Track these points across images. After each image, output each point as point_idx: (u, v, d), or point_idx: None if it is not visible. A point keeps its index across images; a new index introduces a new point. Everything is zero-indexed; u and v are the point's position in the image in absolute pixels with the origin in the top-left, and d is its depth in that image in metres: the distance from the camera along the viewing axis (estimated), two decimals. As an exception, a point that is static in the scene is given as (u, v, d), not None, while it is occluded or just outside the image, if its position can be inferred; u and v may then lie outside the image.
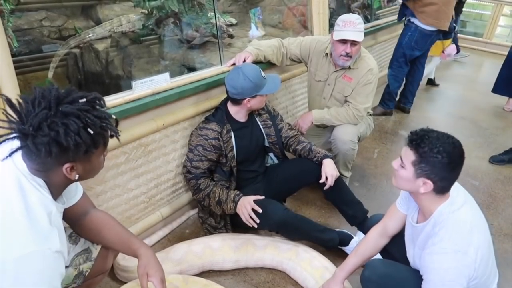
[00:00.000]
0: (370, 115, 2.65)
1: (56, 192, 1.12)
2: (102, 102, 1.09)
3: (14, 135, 0.98)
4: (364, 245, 1.67)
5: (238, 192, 1.97)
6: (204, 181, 1.98)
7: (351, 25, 2.22)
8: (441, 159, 1.27)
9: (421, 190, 1.33)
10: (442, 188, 1.33)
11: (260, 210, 1.88)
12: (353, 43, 2.24)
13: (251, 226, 1.89)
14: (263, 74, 1.99)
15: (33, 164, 1.04)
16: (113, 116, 1.12)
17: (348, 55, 2.28)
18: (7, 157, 0.99)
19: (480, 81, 5.35)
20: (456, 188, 1.41)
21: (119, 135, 1.13)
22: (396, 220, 1.61)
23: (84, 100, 1.04)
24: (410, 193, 1.45)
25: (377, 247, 1.66)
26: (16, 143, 0.99)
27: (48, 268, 0.99)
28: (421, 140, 1.30)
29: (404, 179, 1.36)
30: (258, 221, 1.87)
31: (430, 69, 4.61)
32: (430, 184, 1.31)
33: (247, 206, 1.88)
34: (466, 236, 1.30)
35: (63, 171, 1.04)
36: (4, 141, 1.00)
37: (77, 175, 1.09)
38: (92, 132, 1.02)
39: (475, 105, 4.44)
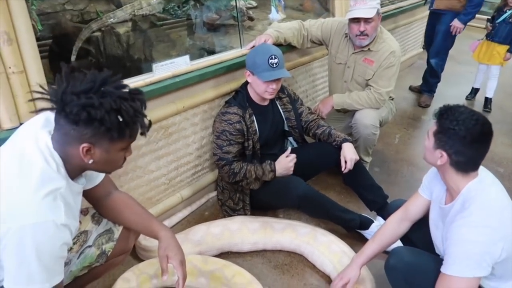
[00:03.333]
0: (392, 99, 2.60)
1: (73, 171, 1.13)
2: (142, 97, 1.10)
3: (53, 98, 1.02)
4: (383, 232, 1.64)
5: (269, 161, 2.00)
6: (237, 165, 1.98)
7: (362, 3, 2.18)
8: (457, 131, 1.27)
9: (438, 162, 1.34)
10: (458, 163, 1.32)
11: (295, 157, 1.96)
12: (366, 20, 2.20)
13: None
14: (273, 61, 1.89)
15: (58, 135, 1.07)
16: (148, 118, 1.13)
17: (363, 33, 2.23)
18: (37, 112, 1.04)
19: (508, 65, 5.14)
20: (485, 170, 1.39)
21: (147, 132, 1.13)
22: (418, 205, 1.59)
23: (127, 90, 1.08)
24: (438, 171, 1.43)
25: (397, 234, 1.63)
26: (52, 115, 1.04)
27: (51, 238, 1.02)
28: (445, 112, 1.32)
29: (427, 149, 1.39)
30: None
31: (493, 85, 3.85)
32: (445, 157, 1.32)
33: (288, 165, 1.95)
34: (497, 214, 1.28)
35: (79, 150, 1.05)
36: (43, 110, 1.04)
37: (92, 160, 1.08)
38: (121, 119, 1.04)
39: (503, 90, 4.27)
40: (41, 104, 1.05)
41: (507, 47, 3.59)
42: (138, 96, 1.09)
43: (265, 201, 2.09)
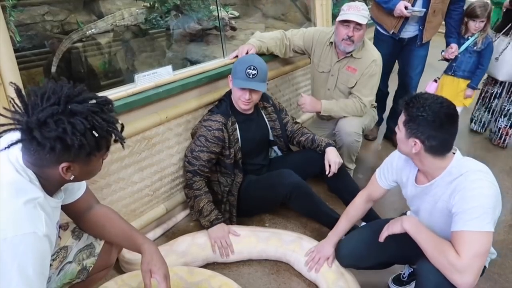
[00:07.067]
0: (374, 107, 2.64)
1: (50, 187, 1.09)
2: (111, 106, 1.08)
3: (17, 126, 0.97)
4: (353, 211, 1.79)
5: (220, 216, 1.97)
6: (199, 182, 1.97)
7: (355, 9, 2.23)
8: (426, 117, 1.31)
9: (412, 150, 1.37)
10: (432, 148, 1.34)
11: (233, 250, 1.92)
12: (356, 27, 2.23)
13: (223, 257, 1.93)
14: (251, 71, 1.89)
15: (30, 158, 1.02)
16: (119, 121, 1.11)
17: (350, 38, 2.26)
18: (5, 148, 0.98)
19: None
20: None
21: (125, 142, 1.12)
22: (379, 191, 1.73)
23: (94, 101, 1.03)
24: (412, 160, 1.45)
25: (364, 212, 1.81)
26: (16, 135, 0.98)
27: (33, 252, 0.97)
28: (411, 101, 1.35)
29: (399, 140, 1.42)
30: (231, 255, 1.93)
31: None
32: (419, 144, 1.34)
33: (222, 241, 1.91)
34: (491, 174, 1.34)
35: (58, 170, 1.02)
36: (6, 131, 0.98)
37: (73, 176, 1.06)
38: (97, 135, 1.01)
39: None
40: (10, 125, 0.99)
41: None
42: (105, 104, 1.05)
43: (254, 197, 2.08)
